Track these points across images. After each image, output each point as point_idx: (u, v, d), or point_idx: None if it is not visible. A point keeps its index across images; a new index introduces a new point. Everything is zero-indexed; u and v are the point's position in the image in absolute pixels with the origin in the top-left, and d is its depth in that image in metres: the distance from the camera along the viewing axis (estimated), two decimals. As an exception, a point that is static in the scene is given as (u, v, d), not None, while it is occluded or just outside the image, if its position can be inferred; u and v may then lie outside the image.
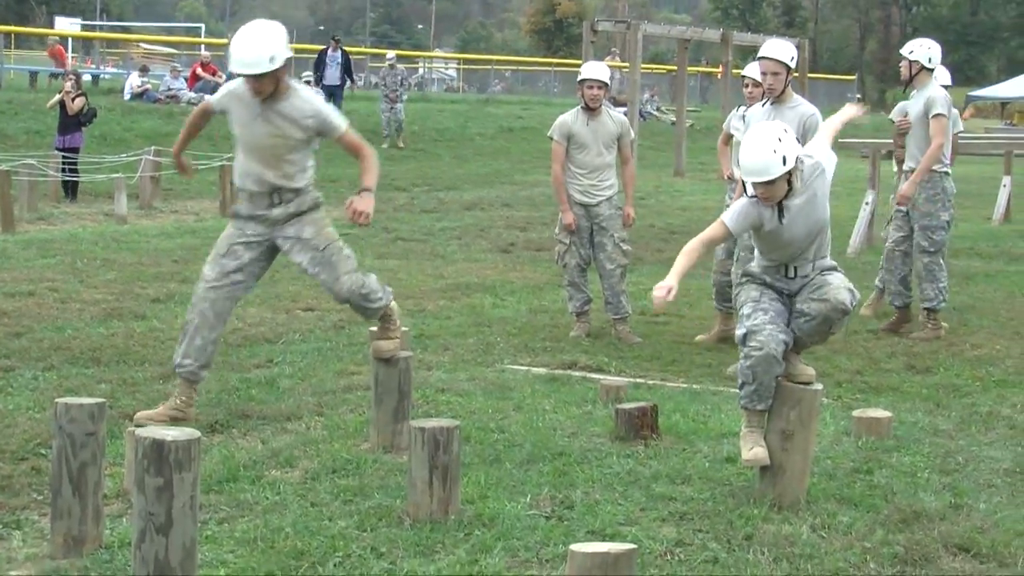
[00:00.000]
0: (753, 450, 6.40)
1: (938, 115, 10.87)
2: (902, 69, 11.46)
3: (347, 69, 32.04)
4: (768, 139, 6.30)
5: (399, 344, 7.45)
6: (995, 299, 13.18)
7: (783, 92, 9.49)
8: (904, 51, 11.43)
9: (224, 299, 7.49)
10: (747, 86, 10.51)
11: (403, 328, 8.48)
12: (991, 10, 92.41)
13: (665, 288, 6.35)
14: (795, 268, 6.55)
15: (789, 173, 6.30)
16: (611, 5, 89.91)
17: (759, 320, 6.41)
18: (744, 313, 6.52)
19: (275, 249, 7.58)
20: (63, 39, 39.95)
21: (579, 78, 10.88)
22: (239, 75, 7.30)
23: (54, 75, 36.67)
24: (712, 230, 6.65)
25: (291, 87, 7.42)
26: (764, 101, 9.73)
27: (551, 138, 10.84)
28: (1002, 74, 78.51)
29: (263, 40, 7.19)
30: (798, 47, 26.71)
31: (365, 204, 7.47)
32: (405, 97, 31.80)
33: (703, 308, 11.96)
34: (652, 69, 53.66)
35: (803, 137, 8.51)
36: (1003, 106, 58.42)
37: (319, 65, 31.68)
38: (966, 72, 77.90)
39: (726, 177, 10.92)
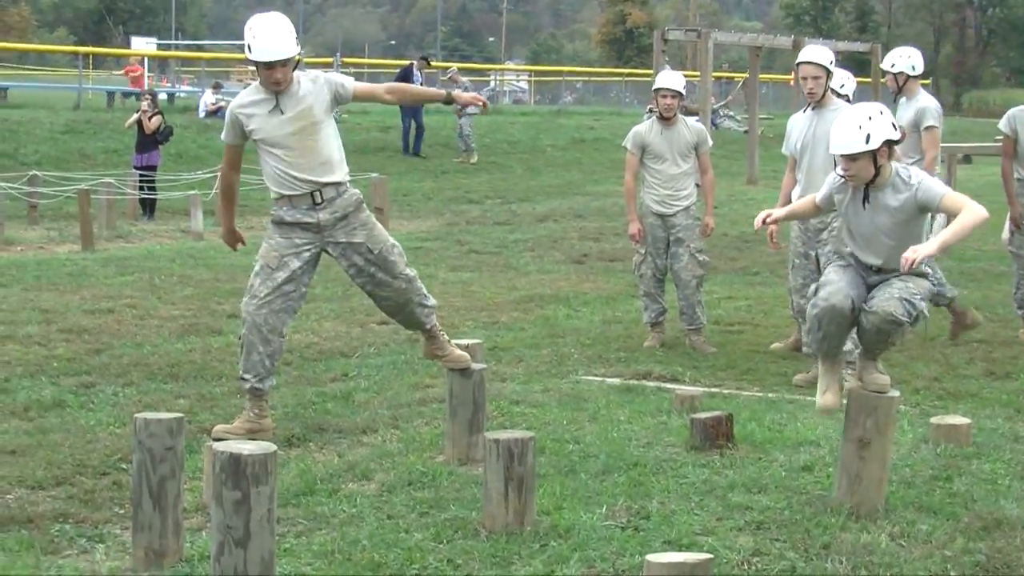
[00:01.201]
0: (825, 395, 6.46)
1: (930, 127, 10.74)
2: (888, 83, 11.36)
3: None
4: (858, 115, 6.36)
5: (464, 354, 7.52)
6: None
7: (824, 96, 9.44)
8: (886, 66, 11.37)
9: (277, 313, 7.42)
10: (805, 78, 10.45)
11: (477, 340, 8.51)
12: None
13: (764, 215, 6.89)
14: (878, 267, 6.52)
15: (875, 156, 6.29)
16: (682, 14, 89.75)
17: (833, 277, 6.46)
18: (827, 271, 6.57)
19: (322, 253, 7.53)
20: (140, 59, 40.38)
21: (653, 87, 10.87)
22: (266, 63, 7.21)
23: (126, 95, 37.15)
24: (804, 201, 6.88)
25: (295, 74, 7.42)
26: (806, 107, 9.68)
27: (625, 148, 10.83)
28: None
29: (285, 27, 7.28)
30: (870, 52, 26.54)
31: (466, 95, 8.19)
32: (471, 110, 31.68)
33: (777, 317, 11.91)
34: (730, 76, 53.50)
35: None
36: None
37: (405, 81, 31.55)
38: (1043, 74, 76.93)
39: None
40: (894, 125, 6.38)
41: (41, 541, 5.85)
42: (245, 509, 4.53)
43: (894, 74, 11.17)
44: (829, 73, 9.46)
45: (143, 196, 21.54)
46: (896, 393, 6.54)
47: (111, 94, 38.64)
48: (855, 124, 6.32)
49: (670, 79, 10.73)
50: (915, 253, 6.15)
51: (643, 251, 10.84)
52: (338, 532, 5.95)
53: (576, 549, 5.70)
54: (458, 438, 7.22)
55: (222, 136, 7.61)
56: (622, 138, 10.98)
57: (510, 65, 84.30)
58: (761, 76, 38.43)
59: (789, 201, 9.76)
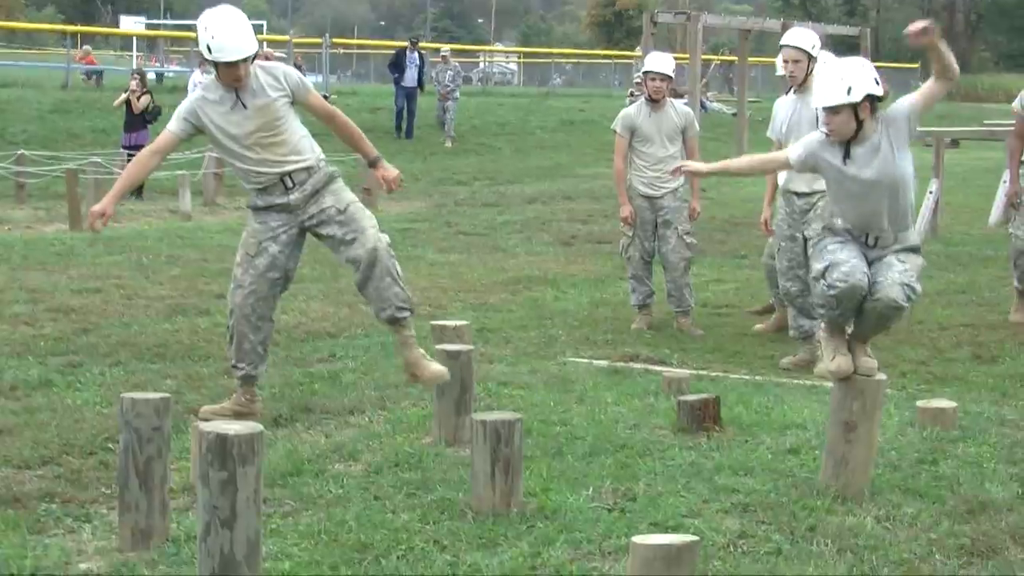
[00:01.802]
0: (836, 360, 6.37)
1: None
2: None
3: (422, 72, 31.58)
4: (841, 68, 6.36)
5: (438, 369, 7.10)
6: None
7: (806, 79, 9.39)
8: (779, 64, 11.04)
9: (263, 299, 7.38)
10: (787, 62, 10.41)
11: (465, 322, 8.50)
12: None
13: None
14: (876, 238, 6.49)
15: (856, 110, 6.28)
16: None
17: (842, 255, 6.37)
18: (828, 248, 6.46)
19: (303, 233, 7.40)
20: (126, 38, 40.22)
21: (642, 70, 10.85)
22: (226, 62, 7.02)
23: (88, 75, 36.87)
24: (775, 154, 6.72)
25: (252, 65, 7.22)
26: (788, 89, 9.67)
27: (614, 131, 10.82)
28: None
29: (242, 22, 7.12)
30: (858, 37, 26.53)
31: (391, 171, 7.45)
32: (457, 95, 31.46)
33: (765, 299, 11.90)
34: (731, 60, 53.43)
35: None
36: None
37: (398, 66, 31.29)
38: (1032, 59, 77.02)
39: None
40: (877, 81, 6.34)
41: (27, 520, 5.84)
42: (231, 489, 4.52)
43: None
44: (812, 57, 9.43)
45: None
46: (883, 376, 6.55)
47: (100, 73, 38.46)
48: (837, 76, 6.31)
49: (659, 62, 10.70)
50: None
51: (631, 233, 10.83)
52: (325, 513, 5.95)
53: (563, 531, 5.71)
54: (445, 419, 7.21)
55: (170, 124, 7.31)
56: (611, 120, 10.97)
57: (499, 47, 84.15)
58: (751, 59, 38.38)
59: (776, 186, 9.76)
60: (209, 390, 8.23)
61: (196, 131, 7.30)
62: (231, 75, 7.09)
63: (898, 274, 6.36)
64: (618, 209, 10.97)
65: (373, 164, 7.51)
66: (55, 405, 7.81)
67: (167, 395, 5.72)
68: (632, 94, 22.96)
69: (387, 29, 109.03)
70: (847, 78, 6.27)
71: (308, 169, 7.24)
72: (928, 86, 6.52)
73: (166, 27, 60.95)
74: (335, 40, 49.10)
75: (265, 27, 62.97)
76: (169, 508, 5.70)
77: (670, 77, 10.66)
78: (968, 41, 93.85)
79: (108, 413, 7.47)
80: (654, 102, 10.64)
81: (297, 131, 7.28)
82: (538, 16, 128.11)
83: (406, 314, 7.19)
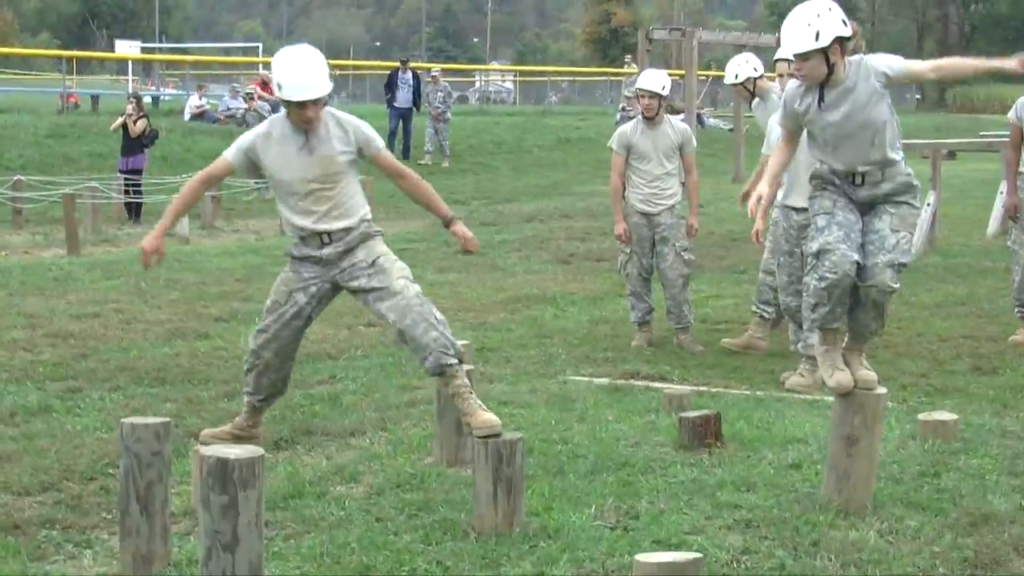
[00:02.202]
0: (835, 376, 6.38)
1: None
2: (738, 93, 11.23)
3: (417, 92, 30.99)
4: (807, 14, 6.34)
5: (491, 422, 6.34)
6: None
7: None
8: (729, 81, 11.09)
9: (286, 345, 7.16)
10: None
11: (465, 341, 8.49)
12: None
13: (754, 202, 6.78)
14: (862, 176, 6.46)
15: (827, 54, 6.27)
16: (666, 13, 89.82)
17: (832, 238, 6.36)
18: (818, 225, 6.46)
19: (336, 289, 7.10)
20: (122, 62, 40.31)
21: (635, 86, 10.86)
22: (297, 102, 6.72)
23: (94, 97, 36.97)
24: (777, 147, 6.79)
25: (326, 110, 6.95)
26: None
27: (611, 148, 10.83)
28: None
29: (318, 62, 6.81)
30: (855, 49, 26.67)
31: (468, 232, 7.27)
32: (449, 115, 30.98)
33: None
34: (709, 76, 53.54)
35: None
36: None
37: (390, 87, 31.06)
38: (1027, 70, 77.06)
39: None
40: (844, 22, 6.34)
41: (28, 547, 5.83)
42: (233, 513, 4.52)
43: (743, 84, 10.91)
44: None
45: (128, 200, 21.51)
46: (883, 390, 6.55)
47: (96, 97, 38.56)
48: (804, 23, 6.31)
49: (649, 80, 10.69)
50: None
51: (628, 251, 10.84)
52: (327, 535, 5.94)
53: (565, 550, 5.70)
54: (446, 440, 7.21)
55: (227, 152, 7.07)
56: (607, 138, 10.99)
57: (495, 65, 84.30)
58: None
59: (772, 201, 9.72)
60: (210, 414, 8.22)
61: (252, 165, 7.02)
62: (301, 116, 6.80)
63: (889, 253, 6.36)
64: (615, 227, 10.96)
65: (448, 224, 7.29)
66: (55, 431, 7.80)
67: (167, 419, 5.71)
68: (623, 109, 23.03)
69: (382, 50, 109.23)
70: (814, 23, 6.28)
71: (348, 229, 6.97)
72: (923, 68, 6.50)
73: (161, 51, 61.11)
74: (330, 61, 49.16)
75: (260, 49, 63.11)
76: (170, 533, 5.68)
77: (662, 95, 10.64)
78: (962, 53, 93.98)
79: (108, 438, 7.46)
80: (649, 120, 10.64)
81: (351, 190, 7.02)
82: (533, 34, 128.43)
83: (451, 360, 6.55)
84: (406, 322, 6.63)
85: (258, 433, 7.39)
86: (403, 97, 30.68)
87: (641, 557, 4.75)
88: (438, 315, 6.66)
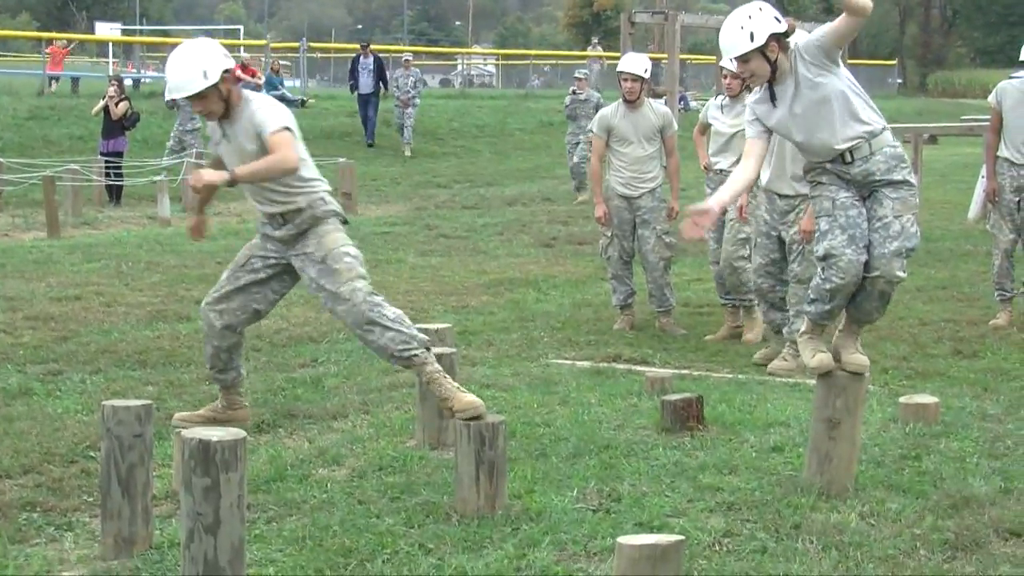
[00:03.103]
0: (817, 356, 6.40)
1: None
2: (727, 85, 10.39)
3: (380, 75, 30.58)
4: (739, 17, 6.37)
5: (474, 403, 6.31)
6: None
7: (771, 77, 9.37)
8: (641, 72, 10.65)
9: (234, 311, 7.05)
10: (725, 77, 10.31)
11: (447, 325, 8.49)
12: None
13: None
14: (850, 153, 6.38)
15: (765, 53, 6.30)
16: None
17: (837, 242, 6.32)
18: (821, 228, 6.43)
19: (292, 270, 7.02)
20: (102, 44, 40.11)
21: (617, 69, 10.85)
22: (176, 99, 6.90)
23: (52, 78, 36.55)
24: (745, 153, 6.70)
25: (244, 99, 6.81)
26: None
27: (591, 131, 10.82)
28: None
29: (191, 58, 6.66)
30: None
31: (209, 176, 6.64)
32: (418, 101, 30.51)
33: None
34: (692, 60, 53.52)
35: None
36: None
37: (352, 73, 30.78)
38: (1008, 54, 77.22)
39: (703, 167, 10.74)
40: (777, 19, 6.36)
41: (8, 530, 5.82)
42: (215, 496, 4.52)
43: (643, 79, 10.60)
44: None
45: (109, 183, 21.45)
46: (866, 373, 6.56)
47: (76, 79, 38.37)
48: (737, 26, 6.35)
49: (631, 62, 10.69)
50: None
51: (609, 234, 10.84)
52: (309, 518, 5.94)
53: (548, 532, 5.71)
54: (429, 422, 7.21)
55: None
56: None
57: (477, 49, 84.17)
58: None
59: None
60: (191, 396, 8.21)
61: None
62: (196, 108, 6.85)
63: (896, 241, 6.32)
64: (595, 210, 10.95)
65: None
66: (35, 413, 7.78)
67: (149, 402, 5.70)
68: (574, 92, 23.00)
69: (364, 32, 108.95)
70: (747, 25, 6.31)
71: (299, 211, 6.88)
72: (839, 20, 6.45)
73: (143, 33, 60.84)
74: (312, 44, 49.07)
75: (242, 32, 62.88)
76: (152, 515, 5.68)
77: (643, 78, 10.62)
78: (944, 37, 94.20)
79: (89, 421, 7.45)
80: (629, 103, 10.63)
81: (286, 179, 6.84)
82: (515, 18, 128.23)
83: (411, 352, 6.56)
84: (359, 331, 6.66)
85: (240, 416, 7.34)
86: (365, 82, 30.23)
87: (623, 539, 4.76)
88: (390, 314, 6.62)
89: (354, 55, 31.86)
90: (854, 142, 6.37)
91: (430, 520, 5.90)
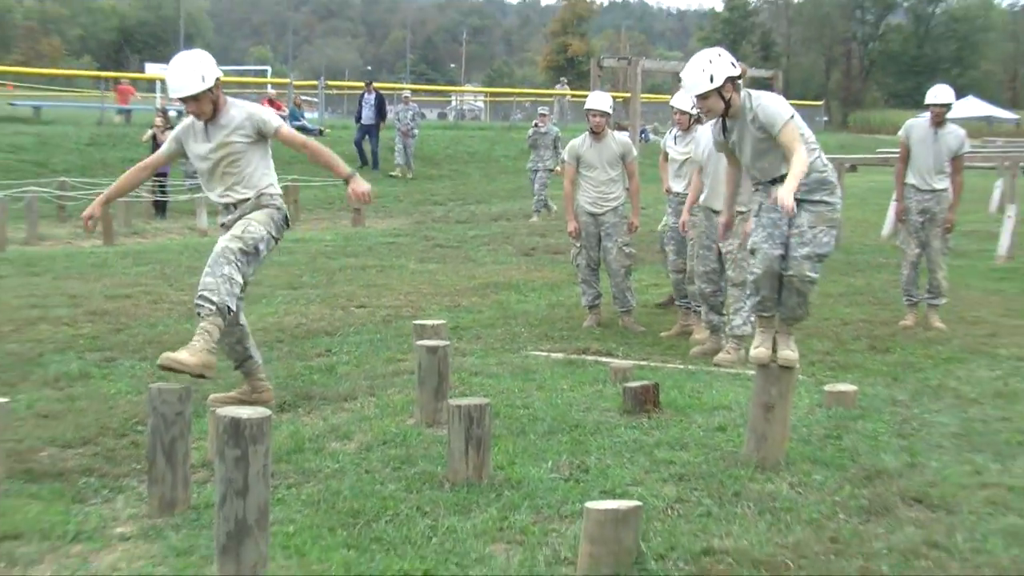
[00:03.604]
0: (757, 349, 6.48)
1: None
2: (679, 120, 10.41)
3: (380, 109, 30.01)
4: (701, 60, 6.42)
5: (193, 364, 6.36)
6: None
7: (725, 111, 9.42)
8: (675, 103, 10.49)
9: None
10: (675, 114, 10.39)
11: (442, 321, 8.45)
12: (935, 44, 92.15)
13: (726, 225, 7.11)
14: (782, 178, 6.35)
15: (721, 92, 6.36)
16: (614, 44, 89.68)
17: (759, 237, 6.46)
18: (753, 230, 6.55)
19: None
20: (152, 81, 39.94)
21: (585, 106, 10.83)
22: (178, 99, 6.76)
23: (119, 111, 36.50)
24: (723, 166, 6.97)
25: (228, 102, 6.88)
26: (716, 121, 9.64)
27: (562, 160, 10.80)
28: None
29: (192, 64, 6.68)
30: (772, 78, 26.66)
31: (362, 185, 6.98)
32: (416, 132, 29.99)
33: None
34: (651, 99, 53.46)
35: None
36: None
37: (360, 107, 30.30)
38: (915, 97, 77.52)
39: (665, 190, 10.73)
40: (733, 64, 6.41)
41: (70, 492, 5.80)
42: (244, 464, 4.49)
43: (682, 112, 10.40)
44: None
45: (156, 199, 21.40)
46: (796, 365, 6.57)
47: (128, 112, 38.24)
48: (699, 68, 6.40)
49: (597, 100, 10.68)
50: (783, 200, 6.04)
51: (579, 245, 10.83)
52: (323, 484, 5.93)
53: (526, 498, 5.70)
54: (426, 404, 7.19)
55: (164, 144, 7.18)
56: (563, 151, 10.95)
57: (468, 87, 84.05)
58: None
59: (696, 200, 9.71)
60: (224, 380, 8.17)
61: (180, 152, 7.08)
62: (189, 108, 6.80)
63: (807, 247, 6.38)
64: (567, 225, 10.94)
65: (347, 181, 7.12)
66: (93, 394, 7.75)
67: (188, 385, 5.68)
68: (536, 126, 22.97)
69: (373, 73, 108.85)
70: (707, 68, 6.37)
71: (246, 199, 6.93)
72: (793, 150, 6.30)
73: (185, 72, 60.47)
74: (329, 82, 48.94)
75: (269, 71, 62.74)
76: (190, 481, 5.66)
77: (608, 113, 10.64)
78: (863, 82, 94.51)
79: (138, 400, 7.42)
80: (595, 134, 10.63)
81: (253, 166, 6.92)
82: (502, 61, 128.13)
83: (202, 303, 6.56)
84: (213, 252, 6.67)
85: (264, 399, 7.30)
86: (367, 115, 29.76)
87: (590, 504, 4.76)
88: (225, 269, 6.58)
89: (361, 92, 31.38)
90: (784, 172, 6.42)
91: (426, 487, 5.89)
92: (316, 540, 5.12)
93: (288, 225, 7.12)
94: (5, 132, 25.97)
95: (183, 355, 6.09)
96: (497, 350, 9.53)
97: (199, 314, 6.59)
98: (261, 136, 6.91)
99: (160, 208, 21.45)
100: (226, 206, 6.98)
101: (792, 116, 6.37)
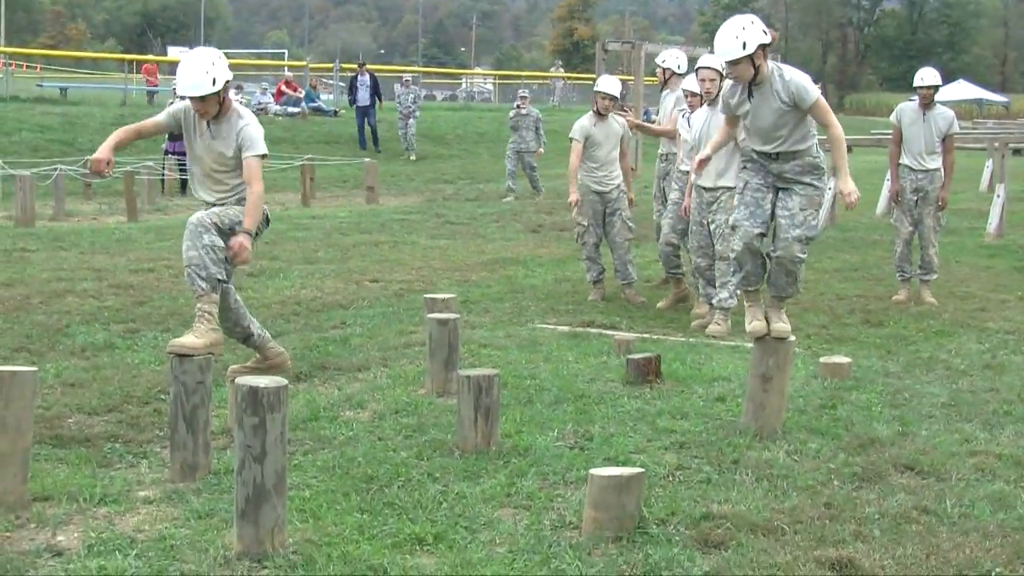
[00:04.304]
0: (752, 323, 6.47)
1: (683, 110, 10.28)
2: (658, 75, 11.23)
3: (375, 90, 29.65)
4: (734, 26, 6.33)
5: (201, 346, 5.93)
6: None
7: (718, 95, 9.40)
8: (658, 60, 11.24)
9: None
10: (687, 97, 10.35)
11: (452, 295, 8.45)
12: (927, 29, 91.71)
13: (698, 162, 6.95)
14: (777, 154, 6.46)
15: (752, 59, 6.29)
16: (619, 29, 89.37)
17: (738, 216, 6.48)
18: (736, 206, 6.56)
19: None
20: (173, 64, 39.89)
21: (595, 88, 10.79)
22: (186, 97, 6.37)
23: (150, 93, 36.54)
24: (720, 129, 6.98)
25: (233, 108, 6.47)
26: (704, 103, 9.70)
27: (572, 138, 10.75)
28: (938, 82, 77.65)
29: (205, 64, 6.26)
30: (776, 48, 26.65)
31: (245, 243, 6.25)
32: (418, 114, 29.60)
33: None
34: (654, 82, 53.24)
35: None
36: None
37: (351, 89, 29.93)
38: (908, 81, 77.23)
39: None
40: (764, 31, 6.34)
41: (96, 457, 5.83)
42: (262, 432, 4.50)
43: (663, 68, 11.11)
44: (723, 76, 9.43)
45: (177, 177, 21.41)
46: (793, 338, 6.56)
47: (151, 93, 38.21)
48: (732, 35, 6.30)
49: (607, 84, 10.65)
50: (849, 196, 6.40)
51: (585, 223, 10.80)
52: (338, 451, 5.93)
53: (533, 465, 5.70)
54: (437, 375, 7.20)
55: (160, 115, 6.69)
56: (570, 131, 10.92)
57: (478, 70, 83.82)
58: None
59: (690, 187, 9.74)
60: (242, 351, 8.15)
61: (177, 126, 6.56)
62: (195, 107, 6.38)
63: (798, 228, 6.39)
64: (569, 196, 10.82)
65: (237, 232, 6.34)
66: (117, 363, 7.77)
67: (209, 355, 5.69)
68: (517, 107, 22.85)
69: (386, 56, 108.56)
70: (740, 35, 6.28)
71: (228, 197, 6.54)
72: (826, 118, 6.51)
73: (206, 55, 60.38)
74: (344, 65, 48.78)
75: (287, 54, 62.65)
76: (211, 447, 5.68)
77: (616, 97, 10.62)
78: (858, 66, 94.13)
79: (161, 370, 7.43)
80: (600, 116, 10.60)
81: (236, 173, 6.49)
82: (510, 45, 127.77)
83: (190, 280, 6.32)
84: (187, 229, 6.31)
85: (277, 362, 6.90)
86: (362, 96, 29.38)
87: (595, 471, 4.77)
88: (205, 239, 6.24)
89: (353, 74, 30.77)
90: (789, 148, 6.40)
91: (437, 454, 5.89)
92: (331, 504, 5.13)
93: (268, 223, 6.77)
94: (33, 112, 25.96)
95: (189, 340, 5.97)
96: (505, 323, 9.53)
97: (195, 291, 6.29)
98: (239, 152, 6.44)
99: (183, 185, 21.45)
100: (207, 205, 6.58)
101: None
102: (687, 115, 10.38)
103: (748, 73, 6.34)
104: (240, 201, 6.48)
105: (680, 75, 11.02)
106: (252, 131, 6.39)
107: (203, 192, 6.58)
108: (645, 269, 12.29)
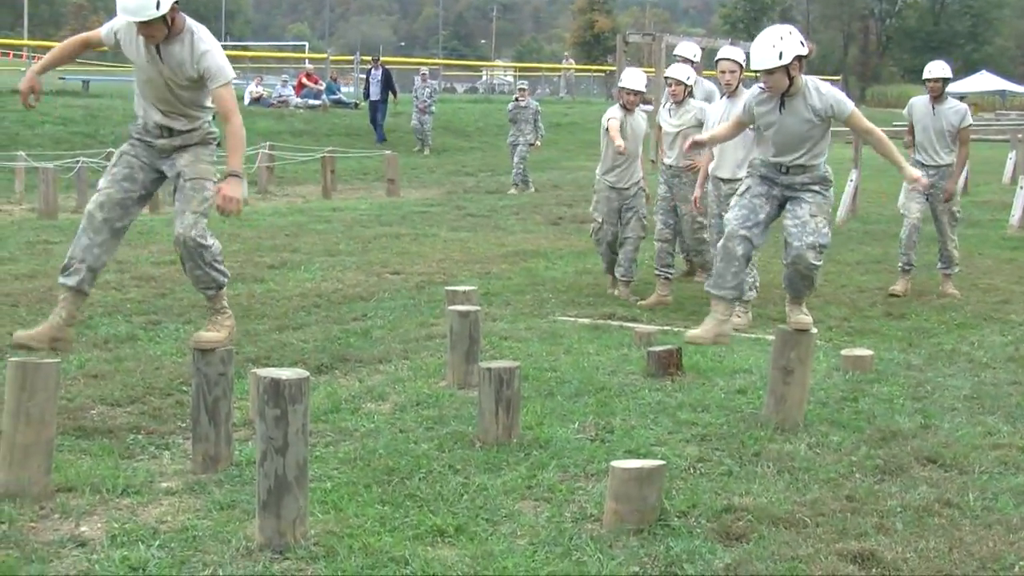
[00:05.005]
0: (690, 331, 6.67)
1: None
2: (676, 91, 10.30)
3: (388, 84, 29.59)
4: (772, 36, 6.32)
5: (223, 338, 6.11)
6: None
7: (737, 87, 9.44)
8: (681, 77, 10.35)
9: (113, 204, 6.22)
10: (670, 85, 10.32)
11: (473, 287, 8.45)
12: (950, 21, 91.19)
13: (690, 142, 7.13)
14: (787, 167, 6.49)
15: (788, 70, 6.27)
16: (639, 21, 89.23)
17: (731, 215, 6.54)
18: (732, 202, 6.62)
19: (163, 176, 6.34)
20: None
21: (619, 84, 10.67)
22: (128, 22, 5.90)
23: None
24: (732, 120, 7.03)
25: (188, 27, 6.01)
26: (723, 95, 9.70)
27: (610, 119, 10.38)
28: (959, 73, 77.23)
29: None
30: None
31: (234, 190, 5.99)
32: (433, 109, 29.32)
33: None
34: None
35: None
36: (961, 99, 57.54)
37: (366, 83, 29.99)
38: (932, 72, 76.93)
39: (661, 160, 10.74)
40: (802, 42, 6.32)
41: (119, 448, 5.84)
42: (284, 423, 4.51)
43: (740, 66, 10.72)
44: (743, 68, 9.43)
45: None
46: (814, 330, 6.55)
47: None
48: (769, 44, 6.28)
49: (633, 79, 10.52)
50: (919, 181, 6.86)
51: (600, 219, 10.72)
52: (359, 443, 5.94)
53: (554, 457, 5.70)
54: (457, 367, 7.20)
55: (103, 28, 6.26)
56: (592, 122, 11.01)
57: (498, 63, 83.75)
58: (705, 72, 38.23)
59: (707, 176, 9.71)
60: (264, 343, 8.21)
61: (117, 45, 6.16)
62: (140, 32, 5.93)
63: (811, 236, 6.38)
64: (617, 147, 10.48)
65: (224, 177, 6.09)
66: (140, 355, 7.79)
67: (230, 347, 5.70)
68: (516, 99, 22.79)
69: (406, 48, 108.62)
70: (778, 45, 6.26)
71: (190, 130, 6.22)
72: (862, 125, 6.55)
73: (226, 47, 60.49)
74: (364, 57, 48.82)
75: (307, 47, 62.70)
76: (233, 439, 5.68)
77: (642, 92, 10.57)
78: (880, 57, 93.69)
79: (183, 362, 7.46)
80: (627, 110, 10.52)
81: (196, 103, 6.17)
82: (531, 37, 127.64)
83: (209, 292, 6.36)
84: (182, 258, 6.23)
85: (66, 336, 6.30)
86: (374, 91, 29.39)
87: (616, 463, 4.76)
88: (206, 256, 6.18)
89: (367, 68, 30.79)
90: (806, 161, 6.41)
91: (458, 446, 5.90)
92: (353, 496, 5.14)
93: (219, 145, 6.36)
94: (56, 105, 26.05)
95: (211, 334, 6.00)
96: (526, 315, 9.53)
97: (208, 296, 6.38)
98: (203, 80, 6.07)
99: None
100: (162, 128, 6.20)
101: None
102: (668, 105, 10.38)
103: (783, 83, 6.33)
104: (205, 139, 6.20)
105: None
106: (215, 58, 5.98)
107: (157, 116, 6.16)
108: (650, 269, 12.23)
